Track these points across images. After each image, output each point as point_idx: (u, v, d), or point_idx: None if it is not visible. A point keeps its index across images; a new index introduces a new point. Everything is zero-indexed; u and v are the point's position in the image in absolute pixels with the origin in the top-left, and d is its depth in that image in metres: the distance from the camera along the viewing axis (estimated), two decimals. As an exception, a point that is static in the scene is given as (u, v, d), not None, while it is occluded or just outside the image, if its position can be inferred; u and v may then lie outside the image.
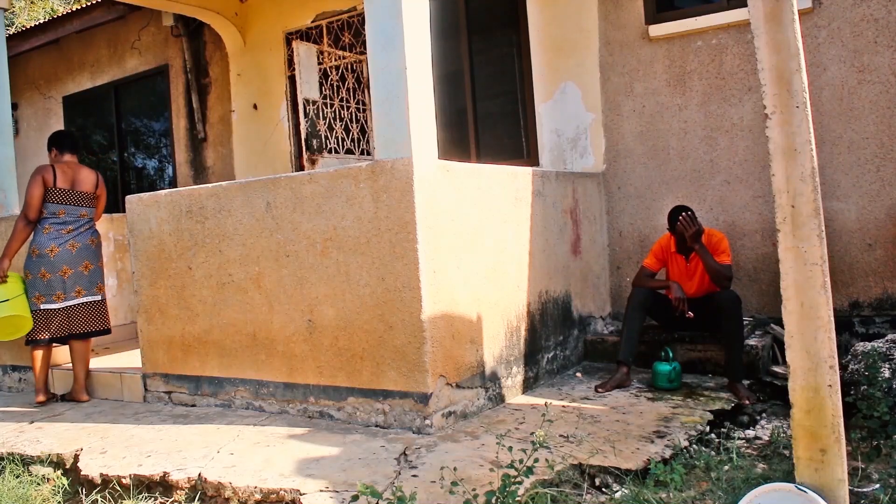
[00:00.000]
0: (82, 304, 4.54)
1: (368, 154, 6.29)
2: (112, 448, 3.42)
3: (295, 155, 6.83)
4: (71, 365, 4.60)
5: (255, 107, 7.08)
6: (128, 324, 6.02)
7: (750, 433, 3.48)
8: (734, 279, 4.29)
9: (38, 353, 4.51)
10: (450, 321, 3.45)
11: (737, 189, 4.62)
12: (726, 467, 2.86)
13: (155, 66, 7.84)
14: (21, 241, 4.48)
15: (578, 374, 4.39)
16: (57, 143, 4.64)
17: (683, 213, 4.00)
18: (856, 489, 2.51)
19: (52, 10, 15.72)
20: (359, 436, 3.33)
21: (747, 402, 3.69)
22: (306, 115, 5.79)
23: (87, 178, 4.59)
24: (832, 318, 2.12)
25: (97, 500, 3.00)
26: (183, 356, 4.15)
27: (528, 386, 4.07)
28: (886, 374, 3.28)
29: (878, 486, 2.56)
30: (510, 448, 2.53)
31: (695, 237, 3.96)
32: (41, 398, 4.49)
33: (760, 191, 4.53)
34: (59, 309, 4.47)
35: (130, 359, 4.84)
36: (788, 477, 2.36)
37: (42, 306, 4.44)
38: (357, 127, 6.30)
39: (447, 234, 3.47)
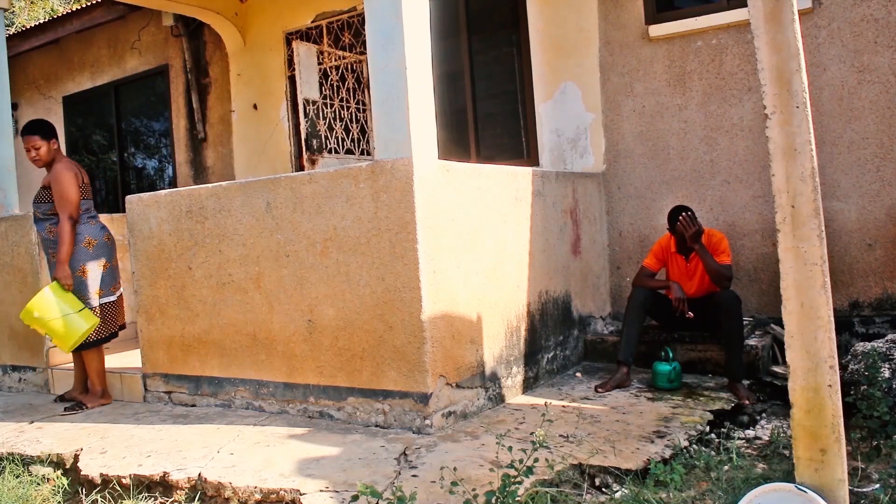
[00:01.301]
0: (121, 294, 4.54)
1: (368, 154, 6.29)
2: (112, 448, 3.42)
3: (295, 155, 6.83)
4: (73, 365, 4.58)
5: (255, 107, 7.08)
6: (128, 323, 6.01)
7: (750, 433, 3.48)
8: (734, 279, 4.29)
9: (96, 352, 4.35)
10: (450, 321, 3.45)
11: (737, 189, 4.62)
12: (726, 467, 2.86)
13: (155, 66, 7.84)
14: (72, 243, 4.20)
15: (578, 374, 4.39)
16: (55, 135, 4.41)
17: (683, 214, 4.00)
18: (856, 489, 2.51)
19: (52, 10, 15.72)
20: (359, 436, 3.33)
21: (747, 402, 3.69)
22: (306, 115, 5.79)
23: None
24: (832, 318, 2.12)
25: (97, 500, 3.00)
26: (183, 356, 4.15)
27: (528, 386, 4.07)
28: (886, 374, 3.28)
29: (878, 486, 2.56)
30: (510, 448, 2.53)
31: (695, 237, 3.96)
32: (109, 399, 4.41)
33: (760, 191, 4.53)
34: (115, 301, 4.44)
35: (130, 359, 4.83)
36: (788, 477, 2.36)
37: (102, 300, 4.34)
38: (357, 127, 6.30)
39: (447, 234, 3.47)
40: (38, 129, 4.30)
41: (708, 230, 4.12)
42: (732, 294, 3.92)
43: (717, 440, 3.27)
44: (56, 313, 4.08)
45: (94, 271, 4.31)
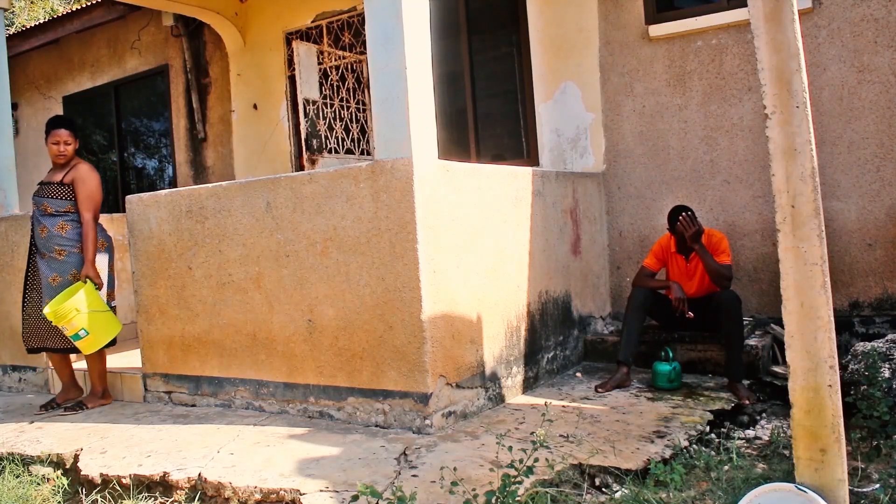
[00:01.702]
0: None
1: (368, 154, 6.29)
2: (112, 448, 3.42)
3: (295, 155, 6.83)
4: (57, 369, 4.51)
5: (255, 107, 7.08)
6: (128, 324, 6.01)
7: (750, 433, 3.48)
8: (734, 279, 4.29)
9: (98, 353, 4.29)
10: (450, 321, 3.45)
11: (737, 189, 4.61)
12: (726, 467, 2.86)
13: (155, 66, 7.84)
14: (96, 243, 4.26)
15: (578, 374, 4.39)
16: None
17: (683, 214, 4.00)
18: (856, 489, 2.51)
19: (52, 10, 15.71)
20: (359, 436, 3.33)
21: (747, 402, 3.69)
22: (306, 115, 5.79)
23: None
24: (832, 318, 2.12)
25: (97, 500, 2.99)
26: (183, 356, 4.14)
27: (528, 386, 4.07)
28: (886, 374, 3.28)
29: (878, 486, 2.56)
30: (510, 448, 2.53)
31: (694, 237, 3.96)
32: (109, 399, 4.40)
33: (760, 191, 4.53)
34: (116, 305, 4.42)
35: (130, 359, 4.83)
36: (788, 477, 2.36)
37: (112, 303, 4.35)
38: (357, 127, 6.30)
39: (447, 234, 3.47)
40: (70, 125, 4.35)
41: (708, 230, 4.12)
42: (732, 294, 3.92)
43: (717, 440, 3.27)
44: (99, 309, 4.09)
45: (104, 273, 4.32)
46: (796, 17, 2.14)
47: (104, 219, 6.00)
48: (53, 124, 4.30)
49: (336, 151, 6.03)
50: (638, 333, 4.11)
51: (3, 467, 3.40)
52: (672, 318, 4.16)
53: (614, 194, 5.05)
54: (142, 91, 8.15)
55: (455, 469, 2.63)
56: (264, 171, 6.82)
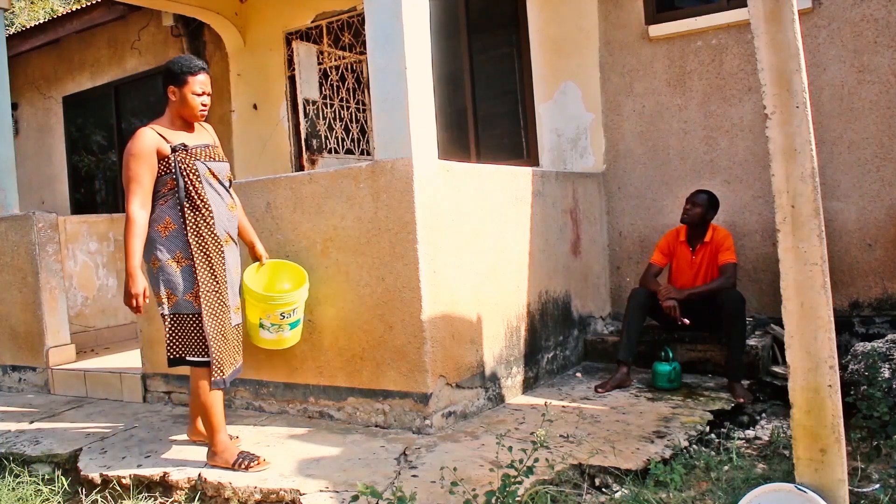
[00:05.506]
0: None
1: (368, 154, 6.29)
2: (112, 448, 3.42)
3: (295, 155, 6.83)
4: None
5: (255, 107, 7.08)
6: (128, 324, 6.02)
7: (750, 433, 3.48)
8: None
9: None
10: (450, 321, 3.45)
11: (737, 189, 4.61)
12: (726, 467, 2.86)
13: (155, 66, 7.83)
14: None
15: (578, 374, 4.39)
16: None
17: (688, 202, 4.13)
18: (856, 489, 2.51)
19: (52, 10, 15.72)
20: (359, 436, 3.33)
21: (742, 400, 3.69)
22: (306, 115, 5.79)
23: None
24: (832, 318, 2.12)
25: (97, 500, 2.99)
26: (183, 356, 4.14)
27: (528, 386, 4.07)
28: (886, 374, 3.28)
29: (878, 486, 2.56)
30: (510, 448, 2.53)
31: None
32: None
33: (760, 191, 4.53)
34: None
35: (130, 359, 4.84)
36: (788, 477, 2.36)
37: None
38: (357, 127, 6.30)
39: (447, 234, 3.47)
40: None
41: (713, 226, 4.13)
42: (737, 294, 3.91)
43: (717, 440, 3.27)
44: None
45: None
46: (796, 17, 2.14)
47: (104, 218, 6.02)
48: (190, 69, 2.99)
49: (336, 151, 6.03)
50: (638, 333, 4.10)
51: (3, 467, 3.40)
52: (672, 319, 4.16)
53: (614, 194, 5.05)
54: (142, 91, 8.15)
55: (455, 469, 2.63)
56: (264, 171, 6.82)
